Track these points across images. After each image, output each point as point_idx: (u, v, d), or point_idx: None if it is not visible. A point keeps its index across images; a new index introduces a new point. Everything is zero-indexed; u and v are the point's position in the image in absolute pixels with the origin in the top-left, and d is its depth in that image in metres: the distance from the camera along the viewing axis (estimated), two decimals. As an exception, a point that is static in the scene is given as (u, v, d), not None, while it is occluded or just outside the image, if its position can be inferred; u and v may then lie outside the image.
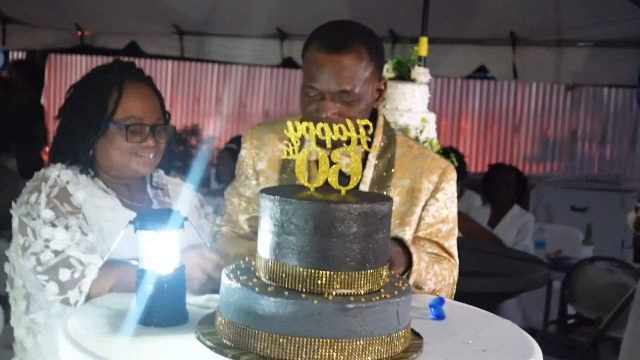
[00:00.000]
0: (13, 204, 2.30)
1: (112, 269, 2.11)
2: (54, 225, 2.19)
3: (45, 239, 2.17)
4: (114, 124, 2.31)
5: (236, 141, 7.28)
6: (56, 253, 2.15)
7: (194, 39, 8.90)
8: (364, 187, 2.31)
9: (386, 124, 2.43)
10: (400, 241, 2.22)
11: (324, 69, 2.19)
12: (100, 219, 2.27)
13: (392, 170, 2.36)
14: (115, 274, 2.10)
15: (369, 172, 2.33)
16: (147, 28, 8.88)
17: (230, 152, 6.95)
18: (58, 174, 2.31)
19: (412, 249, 2.19)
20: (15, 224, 2.25)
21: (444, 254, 2.39)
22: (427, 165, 2.39)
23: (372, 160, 2.35)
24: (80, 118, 2.34)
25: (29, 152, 9.77)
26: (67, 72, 13.25)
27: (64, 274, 2.11)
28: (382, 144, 2.37)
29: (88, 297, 2.10)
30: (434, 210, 2.37)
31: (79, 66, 13.09)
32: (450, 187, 2.41)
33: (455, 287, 2.40)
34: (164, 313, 1.75)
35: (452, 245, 2.43)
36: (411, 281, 2.18)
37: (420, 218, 2.37)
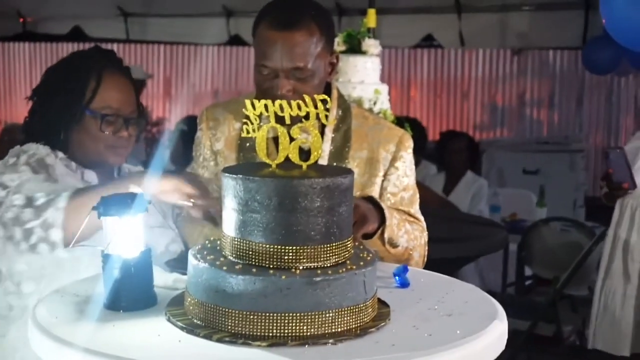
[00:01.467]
0: None
1: (94, 188, 2.08)
2: (31, 176, 2.16)
3: (20, 182, 2.13)
4: (90, 112, 2.29)
5: (186, 121, 7.25)
6: (31, 187, 2.11)
7: (139, 21, 8.81)
8: (322, 161, 2.32)
9: (340, 96, 2.45)
10: (370, 198, 2.24)
11: (275, 46, 2.19)
12: None
13: (350, 142, 2.38)
14: (107, 189, 2.00)
15: (327, 146, 2.35)
16: (90, 11, 8.77)
17: (181, 132, 6.90)
18: (37, 147, 2.29)
19: (383, 205, 2.22)
20: None
21: (411, 219, 2.42)
22: (384, 135, 2.42)
23: (328, 134, 2.36)
24: (56, 102, 2.31)
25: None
26: (10, 61, 13.03)
27: (39, 199, 2.05)
28: (337, 116, 2.39)
29: (67, 227, 2.02)
30: (394, 179, 2.41)
31: (23, 54, 12.90)
32: (408, 155, 2.44)
33: (427, 248, 2.44)
34: (132, 297, 1.75)
35: (417, 210, 2.47)
36: (386, 236, 2.21)
37: (382, 188, 2.41)
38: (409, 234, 2.32)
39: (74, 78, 2.32)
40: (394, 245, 2.26)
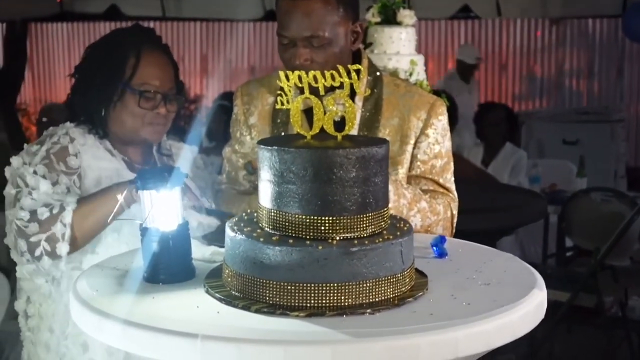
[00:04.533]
0: (14, 155, 2.32)
1: (90, 198, 2.17)
2: (43, 177, 2.23)
3: (31, 187, 2.21)
4: (130, 89, 2.32)
5: (224, 97, 7.26)
6: (37, 199, 2.19)
7: (175, -2, 8.81)
8: (353, 130, 2.31)
9: (371, 65, 2.43)
10: None
11: (291, 16, 2.22)
12: (103, 182, 2.29)
13: (381, 110, 2.37)
14: (98, 200, 2.16)
15: (357, 115, 2.34)
16: (126, -11, 8.79)
17: (219, 108, 6.92)
18: (65, 132, 2.34)
19: (391, 187, 2.17)
20: (7, 173, 2.29)
21: (440, 189, 2.40)
22: (415, 102, 2.39)
23: (358, 103, 2.35)
24: (97, 80, 2.35)
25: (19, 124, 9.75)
26: (49, 41, 13.15)
27: (44, 213, 2.14)
28: (368, 85, 2.38)
29: (74, 240, 2.15)
30: (425, 146, 2.38)
31: (61, 34, 13.00)
32: (440, 122, 2.40)
33: (454, 221, 2.40)
34: (171, 269, 1.76)
35: (448, 179, 2.43)
36: None
37: (413, 156, 2.38)
38: (424, 212, 2.28)
39: (114, 55, 2.35)
40: None
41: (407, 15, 4.49)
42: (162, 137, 2.46)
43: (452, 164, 2.45)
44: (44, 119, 6.94)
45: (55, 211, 2.14)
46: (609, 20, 10.34)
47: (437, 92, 4.36)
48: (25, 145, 2.34)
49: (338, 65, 1.72)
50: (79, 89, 2.41)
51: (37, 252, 2.14)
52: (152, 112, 2.34)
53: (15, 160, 2.28)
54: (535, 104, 11.11)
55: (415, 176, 2.38)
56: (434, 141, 2.39)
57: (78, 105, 2.40)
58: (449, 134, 2.44)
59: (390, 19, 4.50)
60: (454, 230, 2.40)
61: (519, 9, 8.18)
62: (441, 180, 2.41)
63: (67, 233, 2.12)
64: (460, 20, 10.97)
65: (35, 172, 2.23)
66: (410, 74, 4.35)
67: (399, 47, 4.43)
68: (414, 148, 2.38)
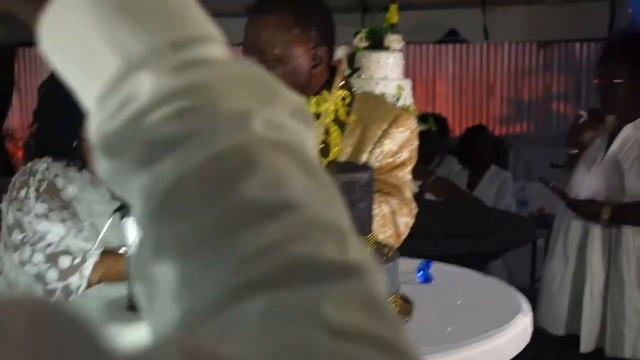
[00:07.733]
0: (3, 200, 2.29)
1: (102, 258, 2.11)
2: (48, 218, 2.20)
3: (42, 232, 2.18)
4: None
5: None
6: (55, 243, 2.17)
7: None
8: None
9: (345, 83, 2.41)
10: None
11: (249, 27, 2.28)
12: (92, 213, 2.26)
13: (348, 125, 2.35)
14: (105, 263, 2.10)
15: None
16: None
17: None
18: (46, 166, 2.30)
19: None
20: (8, 219, 2.24)
21: (387, 188, 2.32)
22: (380, 114, 2.38)
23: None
24: (59, 111, 2.30)
25: (6, 150, 9.73)
26: (37, 66, 13.13)
27: (64, 261, 2.12)
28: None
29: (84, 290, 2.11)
30: (378, 153, 2.35)
31: (49, 58, 12.97)
32: (400, 133, 2.37)
33: (398, 219, 2.26)
34: (156, 297, 1.75)
35: (399, 178, 2.36)
36: None
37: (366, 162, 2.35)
38: None
39: None
40: None
41: (394, 40, 4.51)
42: None
43: (407, 169, 2.39)
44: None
45: (76, 262, 2.12)
46: (596, 44, 10.39)
47: (424, 116, 4.38)
48: (10, 193, 2.28)
49: (324, 92, 1.72)
50: (44, 126, 2.38)
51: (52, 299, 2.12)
52: None
53: (12, 205, 2.24)
54: (522, 127, 11.15)
55: None
56: (387, 150, 2.35)
57: (48, 143, 2.36)
58: (412, 147, 2.39)
59: (377, 43, 4.52)
60: (400, 230, 2.27)
61: (506, 33, 8.23)
62: (390, 179, 2.34)
63: (82, 286, 2.10)
64: (447, 45, 11.01)
65: (36, 216, 2.20)
66: (398, 99, 4.36)
67: (386, 72, 4.45)
68: (369, 155, 2.36)
